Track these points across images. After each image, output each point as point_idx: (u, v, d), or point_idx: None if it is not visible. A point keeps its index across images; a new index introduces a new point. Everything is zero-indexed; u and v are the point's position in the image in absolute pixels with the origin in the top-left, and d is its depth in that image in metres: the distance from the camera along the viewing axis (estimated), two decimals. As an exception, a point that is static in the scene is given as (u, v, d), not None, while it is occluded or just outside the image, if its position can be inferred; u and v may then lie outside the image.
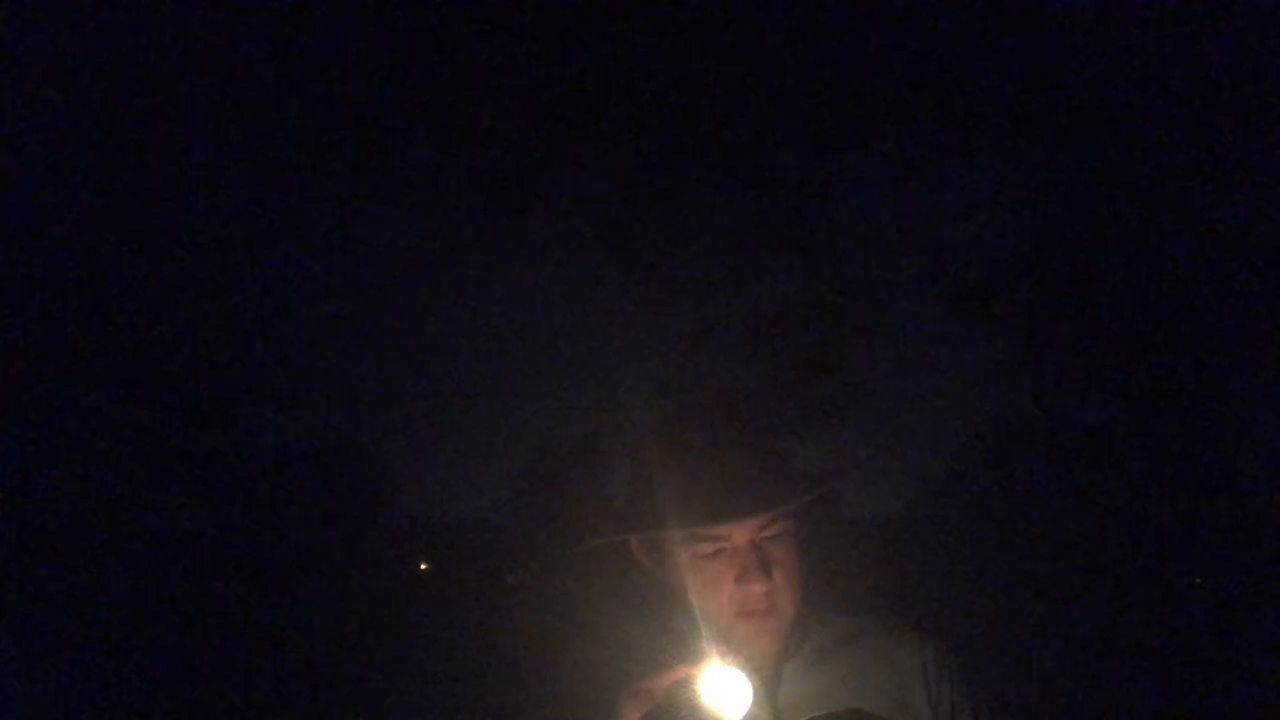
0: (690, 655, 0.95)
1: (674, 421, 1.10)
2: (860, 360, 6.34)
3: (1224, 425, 6.37)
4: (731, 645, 1.02)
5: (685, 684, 0.93)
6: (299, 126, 5.30)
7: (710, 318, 6.12)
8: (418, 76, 4.97)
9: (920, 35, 5.05)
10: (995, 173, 5.91)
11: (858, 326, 6.26)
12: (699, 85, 5.02)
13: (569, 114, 5.14)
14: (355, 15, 4.77)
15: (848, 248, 6.20)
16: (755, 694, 1.05)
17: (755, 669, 1.05)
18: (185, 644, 9.43)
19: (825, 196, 5.87)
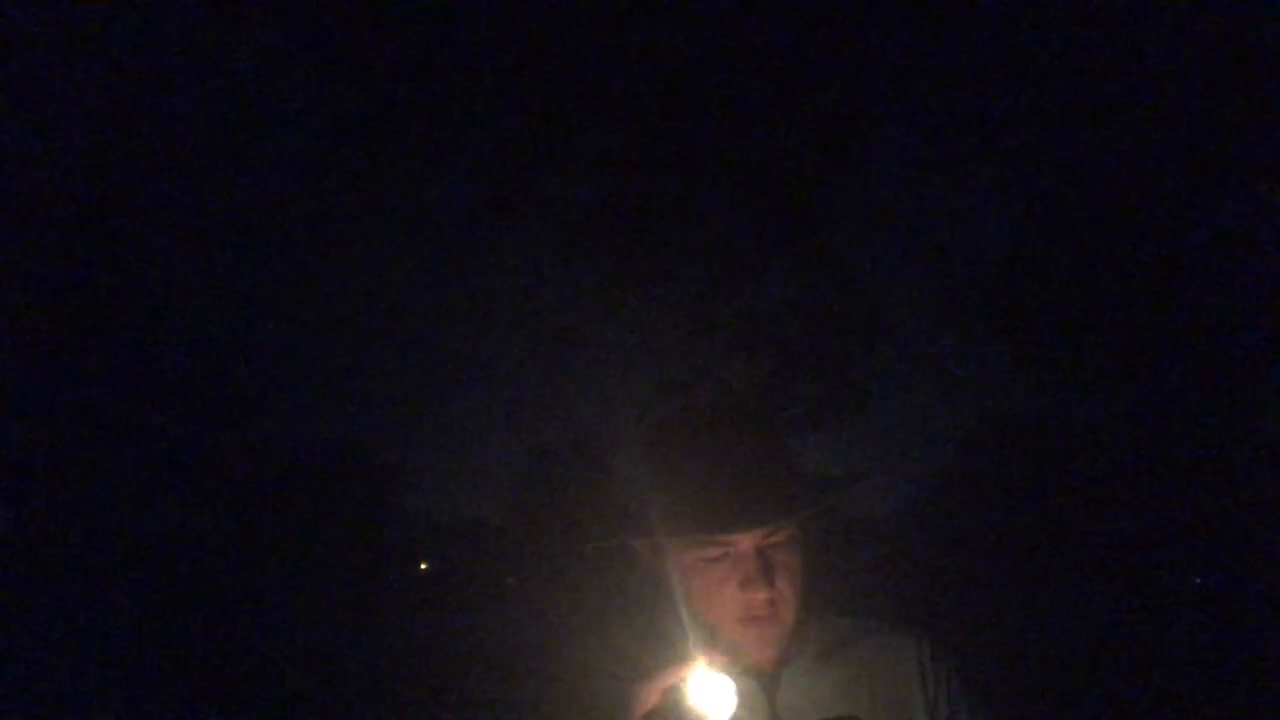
0: (677, 659, 0.95)
1: (678, 421, 1.09)
2: (860, 360, 6.34)
3: (1224, 424, 6.37)
4: (731, 650, 1.02)
5: (672, 689, 0.93)
6: (305, 132, 5.31)
7: (710, 317, 6.12)
8: (417, 78, 4.97)
9: (921, 36, 5.05)
10: (995, 173, 5.91)
11: (858, 326, 6.26)
12: (699, 86, 5.02)
13: (568, 113, 5.14)
14: (356, 20, 4.77)
15: (848, 248, 6.20)
16: (754, 698, 1.05)
17: (755, 673, 1.05)
18: (185, 643, 9.43)
19: (825, 197, 5.87)
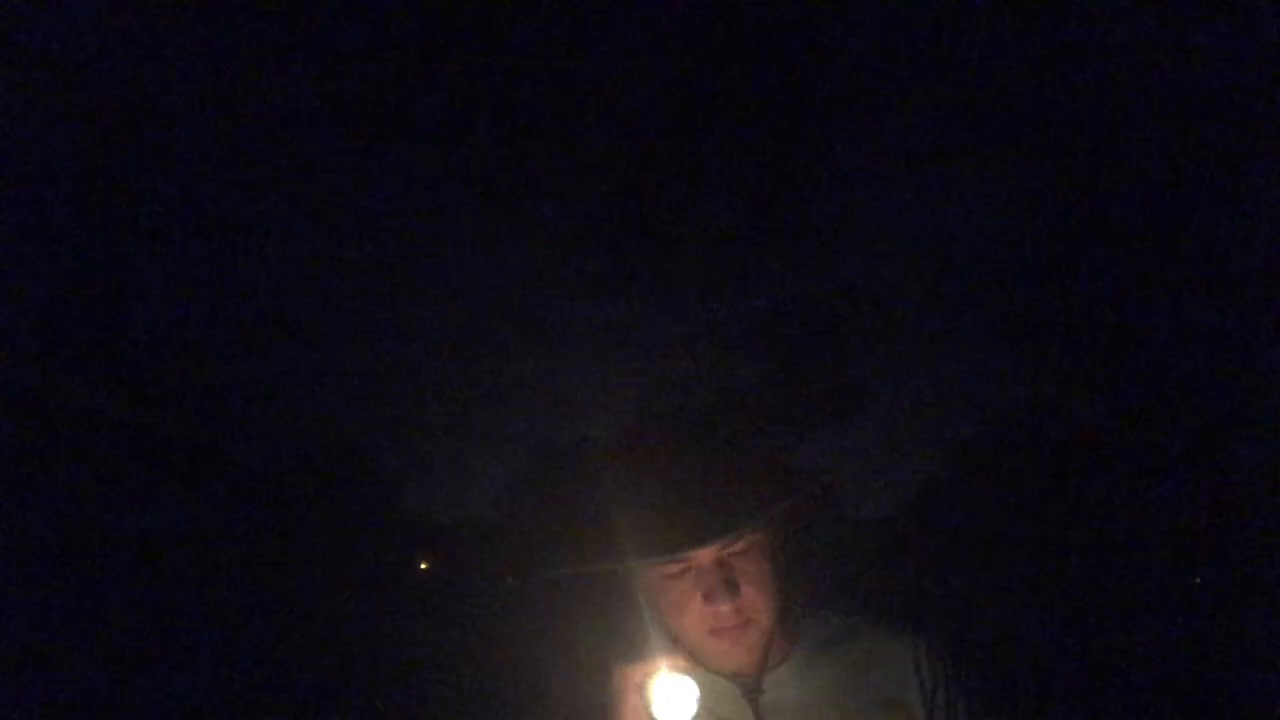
0: (641, 663, 0.95)
1: (630, 439, 1.09)
2: (860, 360, 6.34)
3: (1224, 424, 6.37)
4: (708, 657, 1.01)
5: (634, 691, 0.93)
6: (299, 126, 5.30)
7: (710, 318, 6.12)
8: (413, 75, 4.97)
9: (922, 35, 5.05)
10: (995, 172, 5.91)
11: (858, 326, 6.26)
12: (698, 84, 5.02)
13: (566, 112, 5.14)
14: (353, 17, 4.77)
15: (848, 247, 6.20)
16: (737, 702, 1.05)
17: (736, 678, 1.05)
18: (183, 644, 9.42)
19: (826, 196, 5.87)
